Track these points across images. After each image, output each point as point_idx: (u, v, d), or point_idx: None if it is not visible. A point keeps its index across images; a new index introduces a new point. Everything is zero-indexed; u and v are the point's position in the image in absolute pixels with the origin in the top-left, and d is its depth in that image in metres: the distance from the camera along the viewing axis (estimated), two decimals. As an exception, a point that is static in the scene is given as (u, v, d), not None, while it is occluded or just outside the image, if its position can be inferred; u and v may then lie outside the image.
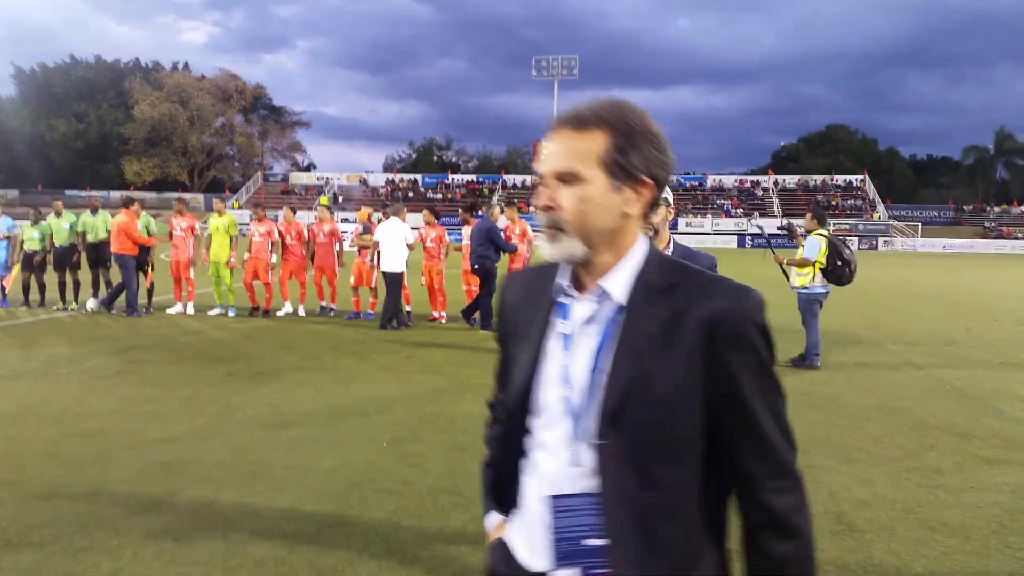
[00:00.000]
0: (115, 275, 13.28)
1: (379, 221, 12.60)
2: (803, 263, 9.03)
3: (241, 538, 4.03)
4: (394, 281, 11.50)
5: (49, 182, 76.05)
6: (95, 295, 13.28)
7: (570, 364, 1.38)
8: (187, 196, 70.68)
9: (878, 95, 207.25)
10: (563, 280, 1.44)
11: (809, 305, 9.12)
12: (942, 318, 14.02)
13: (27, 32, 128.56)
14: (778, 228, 10.26)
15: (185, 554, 3.84)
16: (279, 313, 12.92)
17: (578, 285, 1.43)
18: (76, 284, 13.38)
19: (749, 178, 70.12)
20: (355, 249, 12.83)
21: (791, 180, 67.71)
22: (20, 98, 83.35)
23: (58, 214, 13.41)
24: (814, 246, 8.97)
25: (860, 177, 65.48)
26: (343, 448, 5.63)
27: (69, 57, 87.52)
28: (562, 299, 1.43)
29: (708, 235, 56.89)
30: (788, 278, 9.47)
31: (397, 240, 11.44)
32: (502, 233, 11.95)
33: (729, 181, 68.89)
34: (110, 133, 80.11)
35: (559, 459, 1.38)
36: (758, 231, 12.06)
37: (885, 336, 11.52)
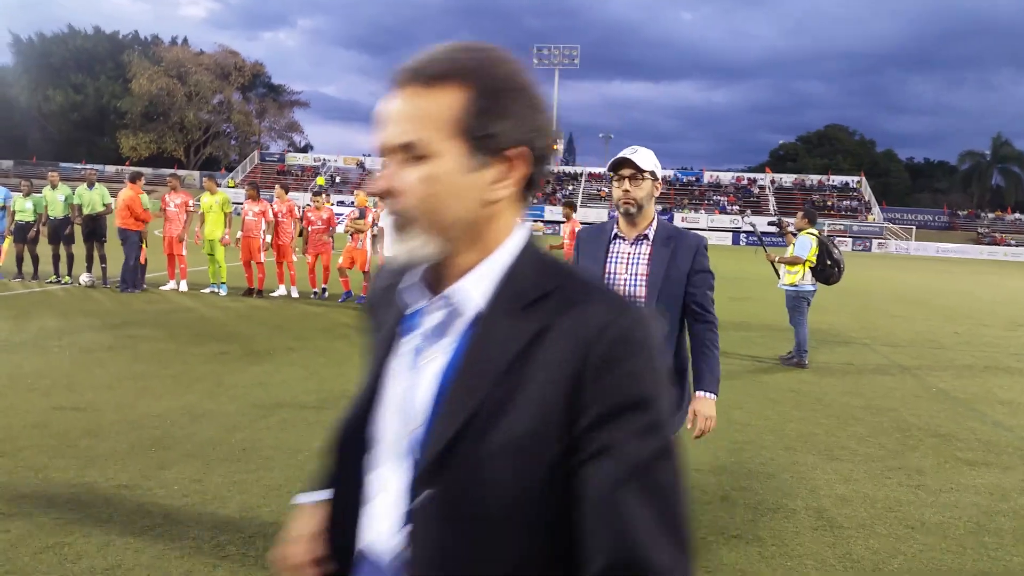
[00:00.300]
0: (109, 249, 13.28)
1: (375, 205, 12.63)
2: (793, 261, 9.14)
3: (230, 515, 4.08)
4: None
5: (45, 153, 75.70)
6: (89, 269, 13.27)
7: (412, 389, 1.06)
8: (182, 173, 70.50)
9: (878, 95, 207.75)
10: (412, 280, 1.12)
11: (797, 303, 9.21)
12: (931, 321, 14.14)
13: (24, 0, 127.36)
14: (768, 224, 10.42)
15: (174, 529, 3.88)
16: (273, 294, 12.95)
17: (433, 286, 1.09)
18: (70, 257, 13.37)
19: (746, 175, 70.22)
20: (348, 233, 12.85)
21: (788, 179, 67.85)
22: (18, 67, 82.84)
23: (53, 186, 13.38)
24: (805, 244, 9.08)
25: (857, 178, 65.67)
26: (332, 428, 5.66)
27: (67, 27, 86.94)
28: (413, 305, 1.12)
29: (703, 231, 57.01)
30: (779, 275, 9.61)
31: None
32: None
33: (726, 178, 68.99)
34: (107, 106, 79.76)
35: (385, 509, 1.09)
36: (751, 228, 12.12)
37: (874, 337, 11.61)
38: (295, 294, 13.03)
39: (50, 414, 5.73)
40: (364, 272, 12.73)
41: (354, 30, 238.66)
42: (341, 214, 14.51)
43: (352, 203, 13.89)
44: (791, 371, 8.82)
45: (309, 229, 12.91)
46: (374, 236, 12.53)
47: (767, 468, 5.33)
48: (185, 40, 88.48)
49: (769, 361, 9.35)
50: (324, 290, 13.04)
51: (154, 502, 4.19)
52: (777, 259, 9.49)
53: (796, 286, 9.19)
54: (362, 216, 12.56)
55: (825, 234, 9.39)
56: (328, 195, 14.77)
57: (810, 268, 9.11)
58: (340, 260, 12.78)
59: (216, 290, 12.94)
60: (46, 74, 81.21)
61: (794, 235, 9.47)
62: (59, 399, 6.14)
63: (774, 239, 11.33)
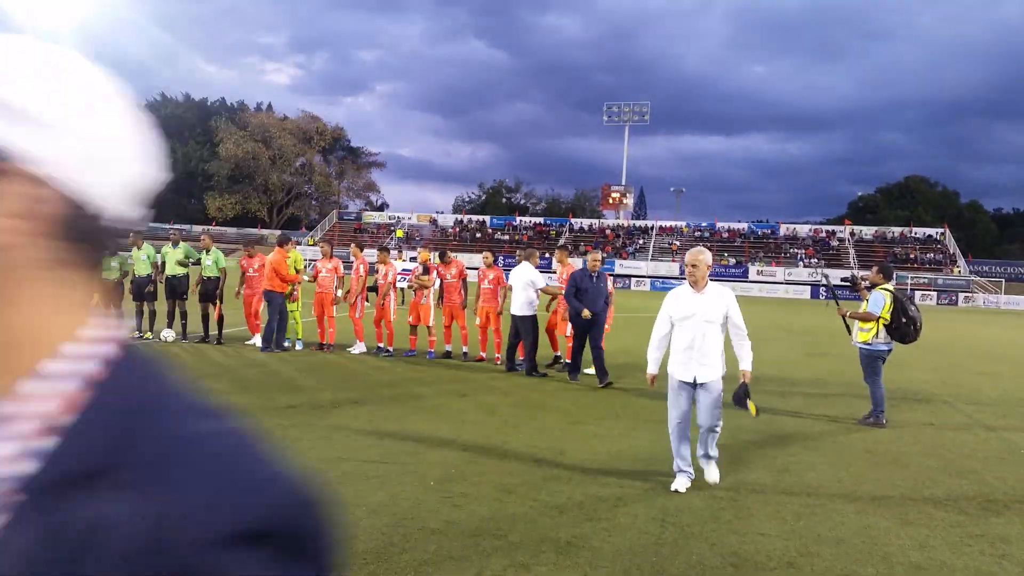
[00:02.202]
0: (190, 306, 13.80)
1: (438, 262, 12.86)
2: (866, 317, 8.74)
3: (284, 569, 4.11)
4: (525, 325, 11.44)
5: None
6: (170, 325, 13.78)
7: None
8: (264, 232, 73.06)
9: (960, 145, 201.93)
10: None
11: (871, 362, 8.82)
12: (1020, 379, 13.43)
13: (122, 69, 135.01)
14: (841, 280, 10.05)
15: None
16: (352, 351, 13.12)
17: None
18: (152, 314, 13.91)
19: (824, 227, 68.75)
20: (412, 289, 13.06)
21: (868, 231, 66.11)
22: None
23: (137, 247, 14.03)
24: (878, 301, 8.71)
25: (940, 230, 63.55)
26: (391, 485, 5.70)
27: (160, 95, 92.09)
28: None
29: (779, 284, 55.89)
30: (850, 331, 9.20)
31: (526, 284, 11.51)
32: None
33: (803, 230, 67.66)
34: (195, 169, 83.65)
35: None
36: (824, 281, 11.71)
37: (956, 395, 11.09)
38: (362, 349, 13.23)
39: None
40: (428, 328, 12.85)
41: (429, 94, 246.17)
42: (406, 271, 14.73)
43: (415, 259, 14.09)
44: (867, 431, 8.48)
45: (378, 283, 13.16)
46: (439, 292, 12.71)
47: (837, 532, 5.10)
48: (270, 106, 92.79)
49: (845, 420, 9.01)
50: (389, 351, 13.05)
51: (213, 555, 4.26)
52: (848, 314, 9.05)
53: (869, 344, 8.77)
54: (426, 272, 12.74)
55: (907, 288, 8.93)
56: (401, 250, 15.10)
57: (884, 326, 8.69)
58: (409, 318, 12.95)
59: (292, 345, 13.26)
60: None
61: (868, 290, 9.11)
62: (132, 451, 6.33)
63: (849, 294, 10.84)
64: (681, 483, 5.82)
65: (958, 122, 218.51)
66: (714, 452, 6.09)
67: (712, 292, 5.95)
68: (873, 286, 8.98)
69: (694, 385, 5.86)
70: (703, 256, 5.92)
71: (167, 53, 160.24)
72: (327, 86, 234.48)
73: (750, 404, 6.09)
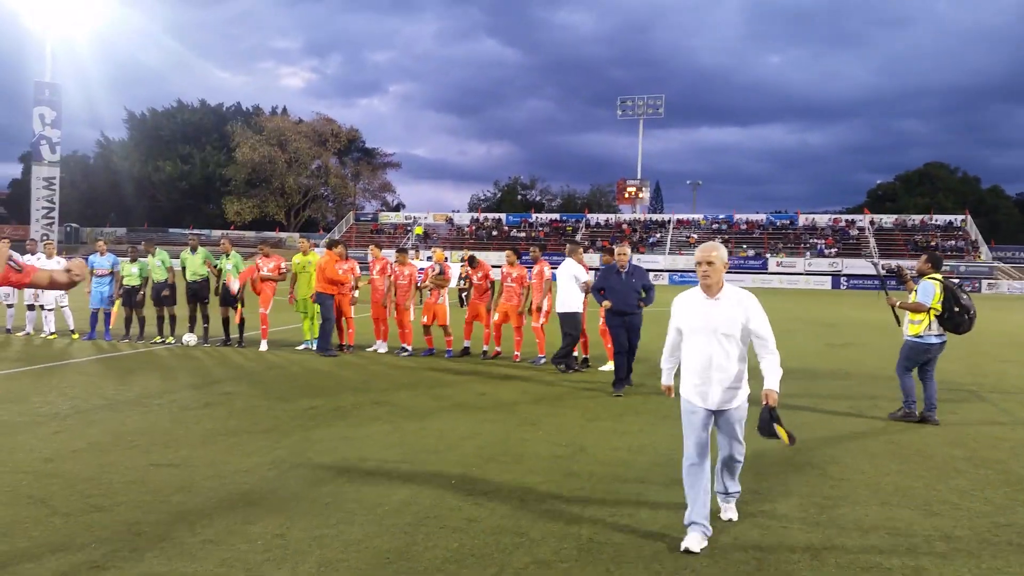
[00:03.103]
0: (213, 309, 13.90)
1: (461, 261, 12.89)
2: (916, 308, 8.26)
3: (308, 569, 4.15)
4: (570, 321, 11.20)
5: (155, 220, 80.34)
6: (191, 329, 13.90)
7: None
8: (283, 235, 73.47)
9: (980, 131, 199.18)
10: None
11: (915, 355, 8.38)
12: (1047, 365, 13.27)
13: (138, 78, 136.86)
14: (886, 272, 9.67)
15: (254, 583, 3.97)
16: (370, 350, 13.17)
17: None
18: (172, 319, 14.04)
19: (844, 217, 68.20)
20: (428, 289, 13.07)
21: (888, 219, 65.52)
22: (130, 141, 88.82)
23: (152, 254, 14.18)
24: (928, 291, 8.20)
25: (961, 217, 62.89)
26: (413, 483, 5.72)
27: (176, 102, 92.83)
28: None
29: (800, 275, 55.52)
30: (899, 323, 8.75)
31: (571, 281, 11.30)
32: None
33: (822, 220, 67.16)
34: (212, 174, 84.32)
35: None
36: (873, 268, 11.17)
37: (981, 384, 10.98)
38: (383, 349, 13.29)
39: (147, 471, 5.97)
40: (444, 327, 12.88)
41: (443, 93, 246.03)
42: (423, 269, 14.77)
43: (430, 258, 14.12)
44: (890, 422, 8.41)
45: (396, 283, 13.19)
46: (462, 291, 12.74)
47: (861, 524, 5.07)
48: (284, 110, 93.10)
49: (868, 411, 8.94)
50: (407, 349, 13.14)
51: (237, 557, 4.30)
52: (898, 304, 8.52)
53: (920, 337, 8.29)
54: (442, 272, 12.77)
55: (954, 279, 8.46)
56: (418, 250, 15.22)
57: (936, 317, 8.19)
58: (424, 318, 12.98)
59: (310, 346, 13.34)
60: (156, 146, 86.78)
61: (915, 280, 8.63)
62: (157, 456, 6.40)
63: (896, 286, 10.33)
64: (694, 541, 4.58)
65: (977, 107, 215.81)
66: (735, 487, 5.14)
67: (729, 298, 4.72)
68: (921, 276, 8.54)
69: (711, 411, 4.80)
70: (718, 252, 4.70)
71: (181, 61, 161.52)
72: (341, 89, 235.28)
73: (780, 431, 4.84)
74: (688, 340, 4.84)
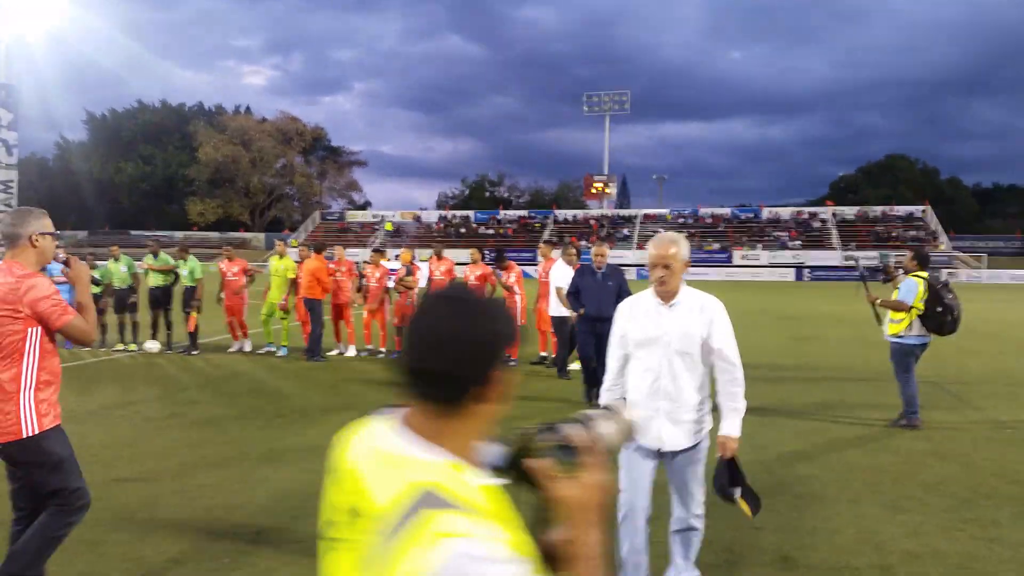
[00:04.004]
0: (176, 317, 13.67)
1: (432, 256, 12.81)
2: (897, 307, 7.96)
3: (277, 587, 4.08)
4: (558, 326, 10.88)
5: (116, 223, 79.03)
6: (154, 336, 13.67)
7: None
8: (248, 236, 72.65)
9: (938, 123, 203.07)
10: None
11: (902, 357, 8.05)
12: (1005, 356, 13.55)
13: (97, 79, 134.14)
14: (873, 267, 9.34)
15: (221, 603, 3.90)
16: (331, 353, 13.06)
17: None
18: (135, 325, 13.79)
19: (807, 209, 69.02)
20: (397, 291, 12.96)
21: (850, 211, 66.44)
22: (91, 142, 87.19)
23: (115, 258, 13.90)
24: (911, 289, 7.89)
25: (922, 207, 63.94)
26: (383, 494, 5.66)
27: (137, 102, 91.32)
28: None
29: (764, 268, 56.08)
30: (879, 321, 8.54)
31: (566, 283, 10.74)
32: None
33: (786, 213, 67.90)
34: (175, 175, 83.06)
35: None
36: (853, 263, 10.83)
37: (942, 375, 11.15)
38: (351, 352, 13.18)
39: (111, 486, 5.84)
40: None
41: (408, 91, 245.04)
42: (394, 270, 14.66)
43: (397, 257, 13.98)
44: (858, 417, 8.51)
45: (368, 285, 13.07)
46: (425, 290, 12.65)
47: (830, 524, 5.11)
48: (248, 108, 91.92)
49: (834, 407, 9.04)
50: (381, 351, 13.09)
51: (204, 576, 4.22)
52: (879, 302, 8.31)
53: (900, 337, 8.02)
54: (410, 273, 12.68)
55: (943, 278, 7.98)
56: (384, 250, 15.11)
57: (918, 316, 7.88)
58: (394, 320, 12.89)
59: (274, 350, 13.19)
60: (117, 147, 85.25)
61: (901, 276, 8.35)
62: (120, 470, 6.27)
63: (878, 279, 10.13)
64: None
65: (936, 100, 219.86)
66: (691, 570, 4.05)
67: (688, 304, 3.71)
68: (907, 273, 8.23)
69: (660, 454, 3.79)
70: (677, 249, 3.65)
71: (141, 61, 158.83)
72: (305, 86, 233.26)
73: (741, 503, 3.88)
74: (633, 357, 3.77)
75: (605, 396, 3.93)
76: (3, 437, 3.42)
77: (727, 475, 3.80)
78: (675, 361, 3.68)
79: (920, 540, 4.82)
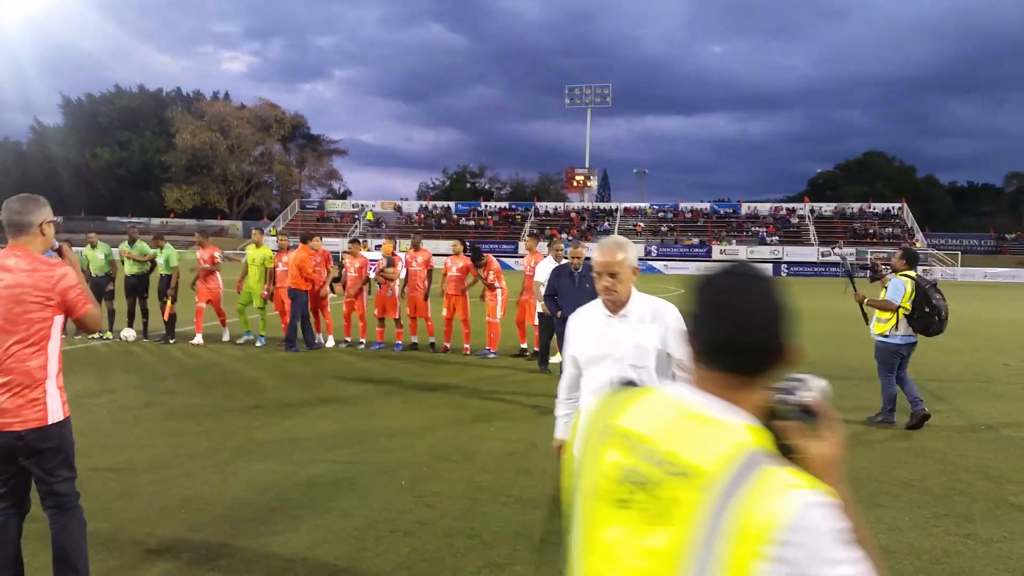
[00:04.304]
0: (152, 304, 13.52)
1: (410, 248, 12.73)
2: (884, 306, 7.85)
3: (255, 580, 4.05)
4: (543, 321, 10.83)
5: (92, 209, 77.95)
6: (130, 324, 13.51)
7: None
8: (225, 223, 72.02)
9: (917, 121, 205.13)
10: None
11: (887, 357, 7.97)
12: (979, 353, 13.72)
13: (74, 62, 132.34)
14: (861, 267, 8.91)
15: (199, 596, 3.86)
16: (317, 343, 12.95)
17: None
18: (111, 313, 13.63)
19: (785, 205, 69.51)
20: (378, 282, 12.90)
21: (828, 208, 67.00)
22: (67, 127, 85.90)
23: (93, 245, 13.71)
24: (898, 288, 7.78)
25: (898, 205, 64.63)
26: (362, 486, 5.64)
27: (114, 87, 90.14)
28: None
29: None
30: (867, 320, 8.43)
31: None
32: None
33: (764, 208, 68.36)
34: (152, 161, 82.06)
35: None
36: (840, 260, 10.49)
37: (918, 372, 11.21)
38: (330, 343, 13.11)
39: (87, 476, 5.73)
40: (396, 320, 12.75)
41: (389, 79, 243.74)
42: (375, 261, 14.56)
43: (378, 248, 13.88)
44: (834, 414, 8.56)
45: (347, 275, 12.99)
46: (404, 282, 12.60)
47: (807, 518, 5.15)
48: (227, 95, 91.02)
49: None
50: (361, 343, 13.04)
51: (181, 567, 4.18)
52: (867, 301, 8.15)
53: (886, 337, 7.91)
54: (391, 264, 12.61)
55: (931, 277, 7.90)
56: (365, 242, 15.03)
57: (905, 316, 7.78)
58: (375, 311, 12.83)
59: (252, 338, 13.08)
60: (94, 132, 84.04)
61: (888, 277, 8.20)
62: (97, 460, 6.19)
63: (863, 276, 9.86)
64: None
65: (914, 98, 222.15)
66: None
67: (639, 313, 3.29)
68: (895, 272, 8.10)
69: None
70: (625, 256, 3.28)
71: (119, 45, 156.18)
72: (284, 73, 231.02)
73: None
74: (586, 375, 3.39)
75: (561, 409, 3.54)
76: (27, 424, 3.38)
77: None
78: (632, 377, 3.09)
79: (895, 536, 4.88)
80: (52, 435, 3.47)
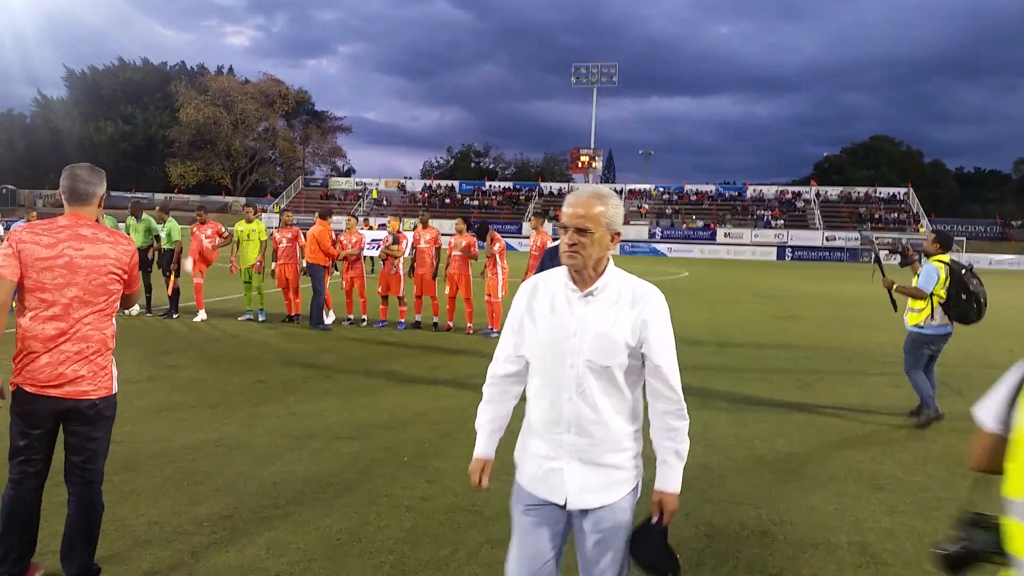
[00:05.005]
0: (155, 278, 13.51)
1: (419, 226, 12.69)
2: (915, 294, 7.26)
3: (257, 553, 4.06)
4: None
5: (96, 183, 77.70)
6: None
7: None
8: (229, 199, 71.89)
9: (924, 105, 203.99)
10: None
11: (916, 348, 7.43)
12: (982, 338, 13.67)
13: (77, 34, 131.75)
14: (889, 252, 8.02)
15: (201, 569, 3.87)
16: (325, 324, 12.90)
17: None
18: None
19: (791, 188, 69.24)
20: (382, 259, 12.87)
21: (834, 192, 66.72)
22: (70, 100, 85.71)
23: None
24: (931, 275, 7.18)
25: (904, 190, 64.33)
26: (364, 461, 5.65)
27: (117, 60, 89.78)
28: None
29: (747, 246, 56.30)
30: (895, 307, 7.82)
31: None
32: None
33: (770, 191, 68.10)
34: (155, 135, 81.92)
35: None
36: (868, 245, 9.64)
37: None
38: (330, 319, 13.09)
39: (88, 447, 5.77)
40: (399, 299, 12.73)
41: (394, 56, 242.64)
42: (378, 239, 14.53)
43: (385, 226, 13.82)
44: (836, 396, 8.57)
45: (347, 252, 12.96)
46: (413, 260, 12.56)
47: (809, 500, 5.15)
48: (231, 69, 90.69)
49: (814, 385, 9.11)
50: (364, 319, 13.05)
51: (183, 539, 4.19)
52: (896, 287, 7.47)
53: (920, 327, 7.34)
54: (396, 242, 12.58)
55: (966, 262, 7.36)
56: (368, 218, 15.02)
57: (940, 304, 7.22)
58: (379, 288, 12.81)
59: (252, 317, 13.07)
60: (97, 106, 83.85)
61: (921, 262, 7.69)
62: (98, 432, 6.19)
63: (891, 261, 8.91)
64: None
65: (922, 82, 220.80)
66: None
67: (612, 294, 2.50)
68: (928, 257, 7.49)
69: (566, 510, 2.59)
70: (602, 207, 2.45)
71: (123, 17, 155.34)
72: (288, 48, 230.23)
73: None
74: (534, 369, 2.61)
75: (481, 424, 2.87)
76: (101, 392, 3.49)
77: (662, 543, 2.57)
78: (588, 377, 2.43)
79: (897, 518, 4.87)
80: (114, 403, 3.61)
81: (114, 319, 3.58)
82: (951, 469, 5.93)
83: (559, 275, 2.57)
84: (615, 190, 69.07)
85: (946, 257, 7.36)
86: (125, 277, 3.55)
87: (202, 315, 12.91)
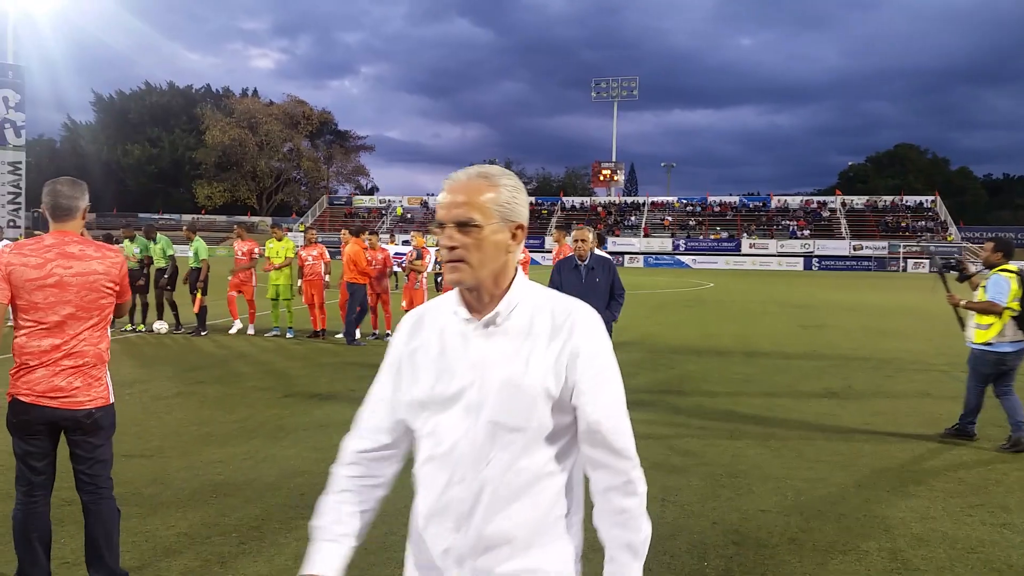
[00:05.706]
0: (180, 297, 13.68)
1: (436, 244, 12.75)
2: (986, 309, 6.58)
3: (286, 563, 4.09)
4: None
5: (123, 205, 79.03)
6: (160, 316, 13.68)
7: None
8: (255, 219, 72.64)
9: (949, 113, 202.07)
10: None
11: (985, 367, 6.74)
12: None
13: (105, 60, 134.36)
14: (943, 267, 7.49)
15: (230, 577, 3.91)
16: (339, 336, 13.07)
17: None
18: (144, 306, 13.80)
19: (815, 198, 68.73)
20: (406, 273, 12.96)
21: (859, 201, 66.12)
22: (98, 124, 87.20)
23: (130, 239, 13.91)
24: (1001, 287, 6.53)
25: (931, 198, 63.59)
26: (390, 473, 5.66)
27: (144, 84, 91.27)
28: None
29: (773, 256, 55.90)
30: (963, 326, 7.13)
31: None
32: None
33: (794, 202, 67.65)
34: (182, 158, 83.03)
35: None
36: (930, 257, 8.46)
37: (953, 363, 11.08)
38: (358, 334, 13.17)
39: (119, 462, 5.77)
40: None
41: (415, 75, 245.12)
42: (403, 254, 14.62)
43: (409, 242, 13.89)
44: (864, 403, 8.47)
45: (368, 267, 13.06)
46: (438, 275, 12.65)
47: (838, 507, 5.10)
48: (255, 91, 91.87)
49: (841, 393, 9.02)
50: (388, 334, 13.13)
51: (212, 550, 4.23)
52: (963, 304, 6.89)
53: (990, 345, 6.65)
54: (420, 257, 12.65)
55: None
56: (393, 235, 15.13)
57: (1013, 318, 6.54)
58: (403, 303, 12.89)
59: (280, 333, 13.20)
60: (125, 129, 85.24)
61: (983, 273, 7.04)
62: (129, 447, 6.27)
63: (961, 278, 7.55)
64: None
65: (946, 89, 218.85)
66: None
67: (523, 321, 1.66)
68: (990, 268, 6.86)
69: None
70: (491, 194, 1.64)
71: (149, 42, 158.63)
72: (312, 70, 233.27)
73: None
74: (421, 434, 1.77)
75: (322, 515, 1.85)
76: (96, 402, 3.51)
77: None
78: (487, 445, 1.64)
79: (928, 524, 4.81)
80: (110, 413, 3.62)
81: (108, 332, 3.63)
82: (983, 475, 5.84)
83: (446, 302, 1.75)
84: (637, 203, 69.12)
85: (1013, 266, 6.70)
86: (116, 289, 3.59)
87: (237, 326, 13.13)
